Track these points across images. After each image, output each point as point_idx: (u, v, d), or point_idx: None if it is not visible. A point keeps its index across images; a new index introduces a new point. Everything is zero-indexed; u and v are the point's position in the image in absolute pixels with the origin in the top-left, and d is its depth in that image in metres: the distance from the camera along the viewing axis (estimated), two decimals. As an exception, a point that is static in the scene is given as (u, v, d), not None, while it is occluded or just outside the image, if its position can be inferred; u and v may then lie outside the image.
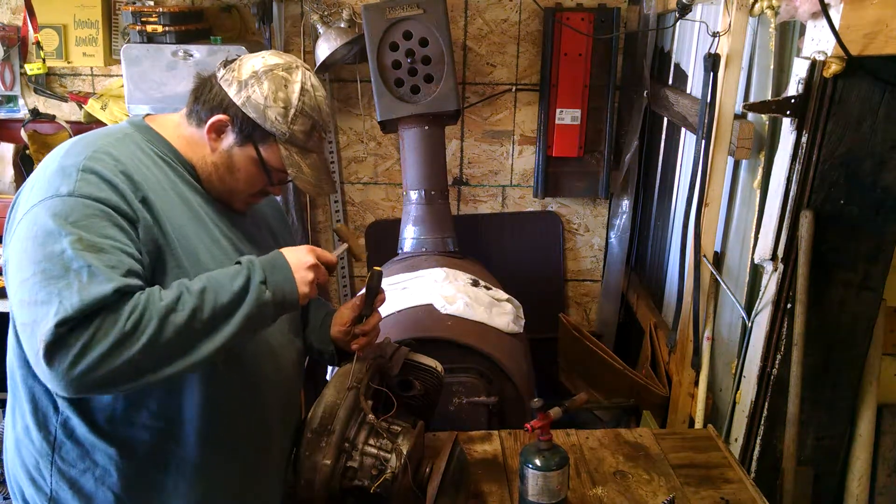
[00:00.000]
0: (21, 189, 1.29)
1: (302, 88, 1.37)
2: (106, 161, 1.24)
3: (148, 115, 1.44)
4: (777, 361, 1.98)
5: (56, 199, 1.18)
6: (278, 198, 1.80)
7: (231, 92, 1.35)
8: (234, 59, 1.40)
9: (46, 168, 1.25)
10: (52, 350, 1.09)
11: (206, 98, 1.37)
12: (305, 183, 1.40)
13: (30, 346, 1.12)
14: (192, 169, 1.39)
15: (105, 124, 3.04)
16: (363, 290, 1.61)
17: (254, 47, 2.75)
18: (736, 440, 2.16)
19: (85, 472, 1.31)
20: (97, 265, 1.13)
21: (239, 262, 1.27)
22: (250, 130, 1.36)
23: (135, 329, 1.12)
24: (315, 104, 1.39)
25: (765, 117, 2.11)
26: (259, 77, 1.35)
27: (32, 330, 1.11)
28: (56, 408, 1.30)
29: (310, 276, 1.31)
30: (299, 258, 1.31)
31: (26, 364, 1.28)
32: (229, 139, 1.37)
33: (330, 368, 2.39)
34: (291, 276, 1.29)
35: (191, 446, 1.35)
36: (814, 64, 1.77)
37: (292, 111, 1.36)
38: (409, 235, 2.95)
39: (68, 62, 3.11)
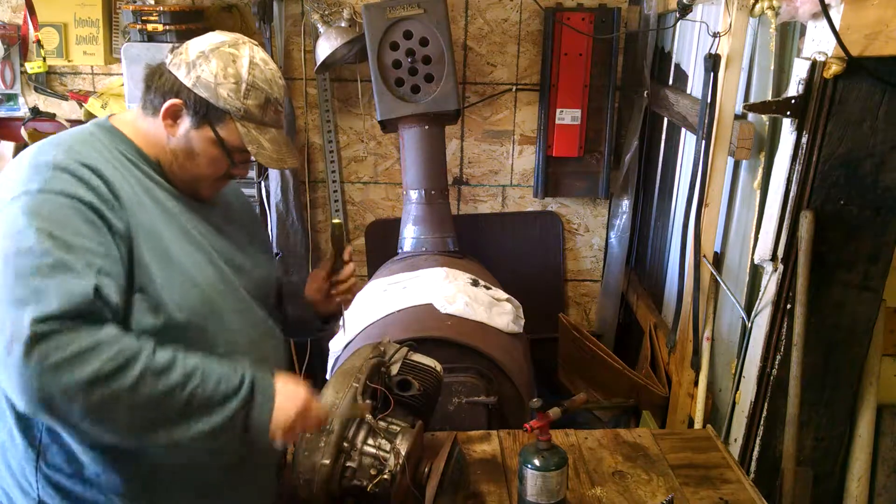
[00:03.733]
0: None
1: (251, 63, 1.36)
2: (77, 158, 1.24)
3: (112, 115, 1.43)
4: (777, 362, 1.98)
5: (28, 196, 1.18)
6: (278, 191, 1.78)
7: (181, 75, 1.34)
8: (181, 45, 1.39)
9: (19, 166, 1.24)
10: (30, 345, 1.07)
11: (157, 85, 1.36)
12: (267, 158, 1.38)
13: None
14: (156, 166, 1.38)
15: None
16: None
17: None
18: (735, 440, 2.16)
19: (72, 476, 1.29)
20: (71, 261, 1.13)
21: (242, 378, 1.26)
22: (204, 111, 1.34)
23: (122, 365, 1.12)
24: (265, 77, 1.38)
25: (765, 118, 2.10)
26: (206, 56, 1.34)
27: (2, 325, 1.08)
28: None
29: (290, 423, 1.29)
30: (288, 407, 1.29)
31: None
32: (185, 123, 1.35)
33: (330, 368, 2.40)
34: (271, 411, 1.27)
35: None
36: (814, 64, 1.77)
37: (244, 86, 1.34)
38: (409, 235, 2.95)
39: (68, 61, 3.12)
